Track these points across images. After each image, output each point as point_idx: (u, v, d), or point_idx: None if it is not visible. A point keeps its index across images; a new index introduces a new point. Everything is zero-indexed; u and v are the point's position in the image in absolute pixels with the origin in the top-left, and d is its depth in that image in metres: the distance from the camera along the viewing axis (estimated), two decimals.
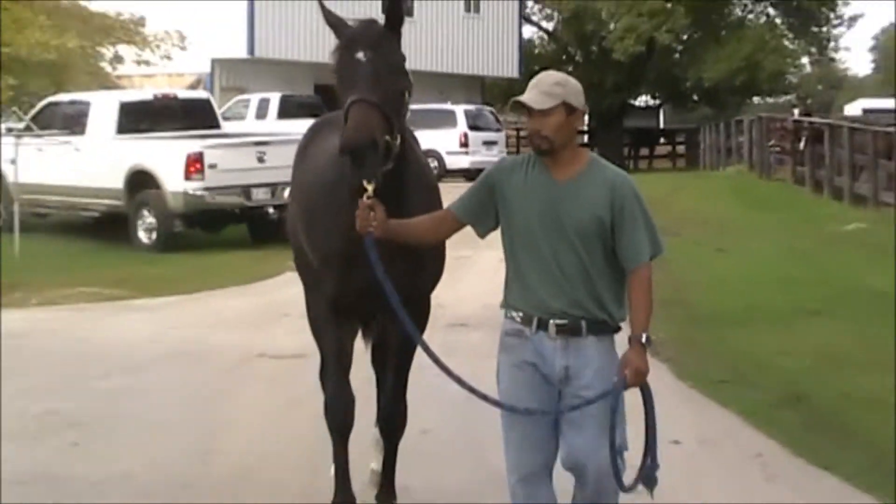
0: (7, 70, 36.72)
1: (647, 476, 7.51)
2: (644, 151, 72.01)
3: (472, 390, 7.69)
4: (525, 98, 7.39)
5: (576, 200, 7.37)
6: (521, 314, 7.52)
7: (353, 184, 7.58)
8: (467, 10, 65.26)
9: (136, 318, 20.96)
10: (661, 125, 76.16)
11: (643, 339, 7.29)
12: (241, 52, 55.51)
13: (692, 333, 17.51)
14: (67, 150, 32.68)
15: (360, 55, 7.73)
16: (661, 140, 74.91)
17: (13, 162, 31.70)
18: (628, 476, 7.49)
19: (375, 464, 9.69)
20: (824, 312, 19.48)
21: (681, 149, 72.17)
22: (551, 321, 7.38)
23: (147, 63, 41.24)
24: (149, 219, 31.15)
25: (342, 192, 8.17)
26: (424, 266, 8.72)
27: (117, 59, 40.79)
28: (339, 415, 8.99)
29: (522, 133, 54.76)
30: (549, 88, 7.40)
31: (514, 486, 7.68)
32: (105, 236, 31.85)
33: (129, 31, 40.66)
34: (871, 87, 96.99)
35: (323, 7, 8.20)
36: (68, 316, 21.57)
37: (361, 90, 7.57)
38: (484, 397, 7.67)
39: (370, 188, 7.49)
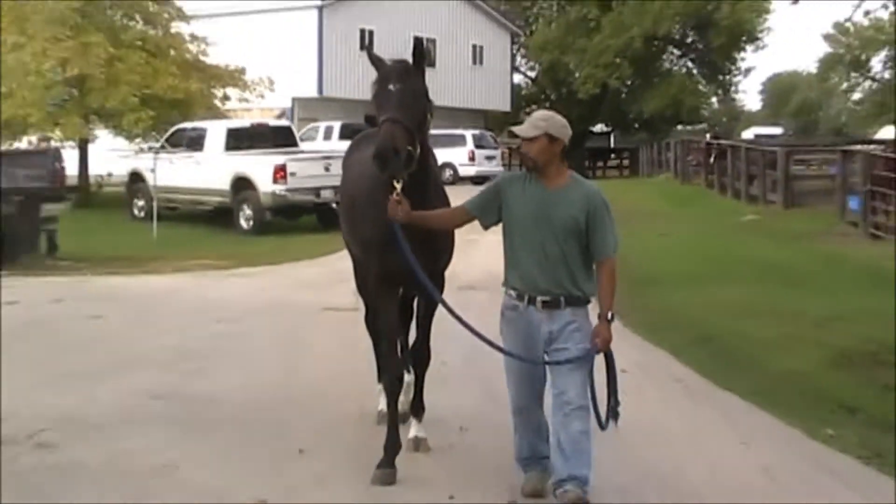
0: (148, 105, 36.94)
1: (613, 411, 7.81)
2: (599, 164, 71.86)
3: (479, 336, 8.06)
4: (516, 129, 7.89)
5: (561, 205, 7.66)
6: (516, 291, 7.81)
7: (382, 180, 7.96)
8: (474, 62, 65.00)
9: (238, 281, 21.04)
10: (612, 145, 75.91)
11: (609, 317, 7.65)
12: (313, 93, 55.35)
13: (634, 292, 17.46)
14: (190, 162, 32.79)
15: (391, 86, 7.97)
16: (612, 156, 74.74)
17: (153, 171, 31.87)
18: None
19: (403, 398, 9.36)
20: (727, 277, 19.51)
21: (626, 162, 72.08)
22: (538, 297, 7.67)
23: (246, 100, 41.08)
24: (247, 211, 31.51)
25: (378, 192, 8.25)
26: (441, 253, 8.79)
27: (225, 97, 40.63)
28: (394, 378, 8.90)
29: (513, 149, 55.18)
30: (535, 122, 7.77)
31: (513, 415, 8.06)
32: (216, 224, 31.92)
33: (234, 77, 40.53)
34: (760, 118, 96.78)
35: (370, 53, 8.40)
36: (192, 279, 21.73)
37: (390, 112, 7.83)
38: (489, 342, 8.02)
39: (398, 185, 7.84)
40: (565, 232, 7.65)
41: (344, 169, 10.19)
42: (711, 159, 45.97)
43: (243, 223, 31.60)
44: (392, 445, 8.58)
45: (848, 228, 28.81)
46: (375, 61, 8.29)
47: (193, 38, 40.86)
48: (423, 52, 8.32)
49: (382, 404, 9.57)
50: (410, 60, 8.22)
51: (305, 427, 9.94)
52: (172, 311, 17.30)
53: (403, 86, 7.98)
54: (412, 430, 8.99)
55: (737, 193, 40.48)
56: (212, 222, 32.27)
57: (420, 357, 9.19)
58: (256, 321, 15.90)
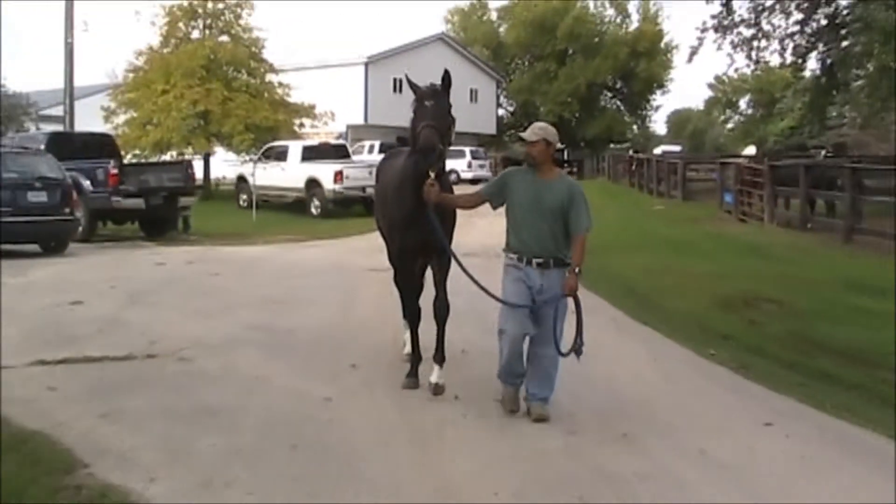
0: (250, 130, 37.65)
1: (578, 349, 7.62)
2: (565, 167, 71.66)
3: (480, 286, 8.02)
4: (524, 134, 7.87)
5: (550, 193, 7.60)
6: (517, 255, 7.69)
7: (422, 169, 7.89)
8: (471, 100, 64.66)
9: (311, 250, 20.98)
10: (566, 157, 75.21)
11: (576, 270, 7.48)
12: (360, 121, 55.32)
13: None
14: (277, 169, 32.83)
15: (427, 103, 7.96)
16: (565, 165, 74.00)
17: (252, 175, 32.26)
18: (564, 348, 7.65)
19: (407, 347, 9.23)
20: (644, 248, 19.43)
21: (575, 169, 71.36)
22: (534, 259, 7.59)
23: (315, 126, 41.24)
24: (316, 202, 31.35)
25: (403, 187, 8.31)
26: (450, 228, 8.56)
27: (301, 125, 40.70)
28: (414, 317, 8.77)
29: (497, 159, 54.90)
30: (536, 130, 7.77)
31: (501, 341, 7.75)
32: (294, 210, 31.86)
33: (307, 111, 40.76)
34: (666, 139, 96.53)
35: (409, 81, 8.30)
36: (278, 249, 21.60)
37: (427, 120, 7.82)
38: (487, 292, 7.98)
39: (433, 174, 7.86)
40: (553, 213, 7.56)
41: (378, 173, 9.90)
42: (633, 167, 45.96)
43: (313, 210, 31.44)
44: (415, 360, 8.66)
45: (724, 215, 28.75)
46: (413, 86, 8.20)
47: (280, 84, 41.06)
48: (449, 80, 8.20)
49: (406, 337, 9.31)
50: (439, 86, 8.16)
51: (356, 349, 9.94)
52: (265, 270, 17.30)
53: (435, 102, 7.97)
54: (433, 375, 8.38)
55: (650, 191, 40.04)
56: (292, 210, 32.14)
57: (441, 310, 8.61)
58: (322, 277, 15.88)
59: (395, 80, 58.87)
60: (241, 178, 35.52)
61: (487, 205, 8.10)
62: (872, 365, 9.56)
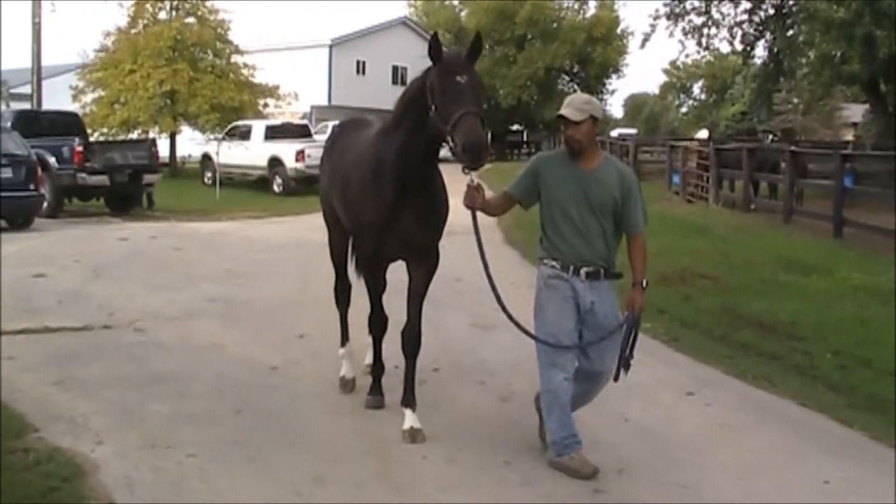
0: (216, 110, 37.42)
1: (626, 363, 5.99)
2: (516, 151, 71.28)
3: (515, 323, 6.16)
4: (566, 112, 5.87)
5: (599, 185, 5.88)
6: (560, 262, 5.93)
7: (469, 169, 5.71)
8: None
9: (273, 226, 21.03)
10: (524, 139, 75.17)
11: (643, 284, 6.02)
12: (324, 102, 55.17)
13: (527, 234, 17.54)
14: (241, 148, 32.75)
15: (459, 78, 5.73)
16: (524, 146, 74.03)
17: (217, 153, 31.98)
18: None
19: (369, 357, 7.68)
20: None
21: (533, 150, 71.27)
22: (583, 269, 5.89)
23: (280, 107, 41.23)
24: (278, 180, 31.25)
25: (380, 180, 6.39)
26: (443, 226, 6.67)
27: (265, 105, 40.71)
28: (379, 330, 7.08)
29: None
30: (580, 105, 5.91)
31: (549, 394, 6.00)
32: (258, 188, 31.82)
33: (272, 91, 40.72)
34: (622, 123, 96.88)
35: (435, 41, 5.86)
36: (241, 225, 21.59)
37: (469, 104, 5.64)
38: (520, 327, 6.14)
39: (474, 175, 5.84)
40: (603, 210, 5.90)
41: (332, 152, 7.84)
42: None
43: (276, 188, 31.37)
44: (378, 372, 7.20)
45: (672, 196, 28.98)
46: (437, 51, 5.88)
47: (245, 65, 40.88)
48: (480, 46, 5.99)
49: (344, 370, 7.72)
50: (464, 54, 6.02)
51: (307, 321, 10.07)
52: (227, 245, 17.35)
53: (469, 78, 5.81)
54: (407, 420, 6.57)
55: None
56: (255, 187, 32.10)
57: (412, 340, 6.81)
58: (281, 253, 15.94)
59: (358, 62, 59.19)
60: (207, 157, 35.38)
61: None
62: (792, 337, 9.76)
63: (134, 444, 6.19)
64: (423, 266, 6.76)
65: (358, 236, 7.14)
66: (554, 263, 5.99)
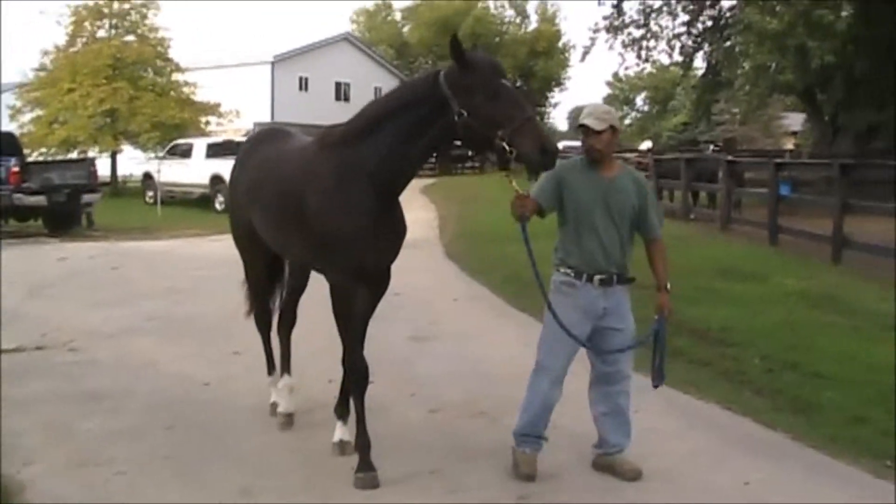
0: (157, 128, 37.43)
1: (661, 372, 6.28)
2: (460, 165, 71.41)
3: (557, 319, 6.05)
4: (588, 122, 5.88)
5: (619, 193, 5.96)
6: (573, 270, 6.05)
7: (540, 172, 5.58)
8: (376, 98, 64.90)
9: (214, 244, 20.86)
10: (469, 154, 75.27)
11: (667, 288, 6.18)
12: (267, 119, 54.98)
13: (471, 246, 17.70)
14: (183, 166, 32.66)
15: (506, 82, 5.47)
16: (469, 161, 74.23)
17: (158, 171, 32.06)
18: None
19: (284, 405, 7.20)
20: (532, 236, 19.68)
21: (477, 165, 72.04)
22: (596, 276, 5.97)
23: (222, 124, 41.16)
24: (220, 198, 30.67)
25: (367, 190, 5.76)
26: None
27: (207, 122, 40.67)
28: (362, 380, 6.05)
29: None
30: (601, 115, 5.95)
31: (535, 389, 6.26)
32: (200, 206, 31.64)
33: (213, 109, 40.78)
34: (567, 135, 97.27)
35: (457, 45, 5.37)
36: (182, 243, 21.56)
37: (527, 109, 5.40)
38: (556, 319, 6.04)
39: (517, 185, 5.70)
40: (622, 217, 5.99)
41: (246, 166, 7.14)
42: None
43: (217, 206, 30.82)
44: (364, 445, 6.02)
45: None
46: (468, 55, 5.52)
47: (186, 83, 40.89)
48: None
49: (278, 399, 7.29)
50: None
51: (244, 338, 10.02)
52: (168, 263, 17.34)
53: (509, 82, 5.60)
54: (337, 433, 6.52)
55: None
56: (197, 205, 31.93)
57: (358, 367, 6.22)
58: (222, 270, 15.72)
59: (300, 78, 59.22)
60: (148, 175, 35.18)
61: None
62: (723, 343, 9.96)
63: (63, 462, 6.21)
64: (382, 287, 6.39)
65: (331, 256, 5.97)
66: (567, 271, 6.11)
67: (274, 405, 7.31)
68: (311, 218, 5.91)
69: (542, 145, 5.30)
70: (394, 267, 6.40)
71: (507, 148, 5.29)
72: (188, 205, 32.43)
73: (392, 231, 6.07)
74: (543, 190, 6.09)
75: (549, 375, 6.17)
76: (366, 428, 6.00)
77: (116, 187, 39.32)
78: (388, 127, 5.73)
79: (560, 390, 6.19)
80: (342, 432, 6.47)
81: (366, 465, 5.92)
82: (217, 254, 18.57)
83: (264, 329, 7.64)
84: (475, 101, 5.38)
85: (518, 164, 5.44)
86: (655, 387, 6.35)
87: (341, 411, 6.58)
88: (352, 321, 6.08)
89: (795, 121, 60.58)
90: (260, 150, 7.10)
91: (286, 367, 7.41)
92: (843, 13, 27.61)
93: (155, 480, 5.92)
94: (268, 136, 7.33)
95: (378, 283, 6.30)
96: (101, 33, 40.08)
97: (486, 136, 5.40)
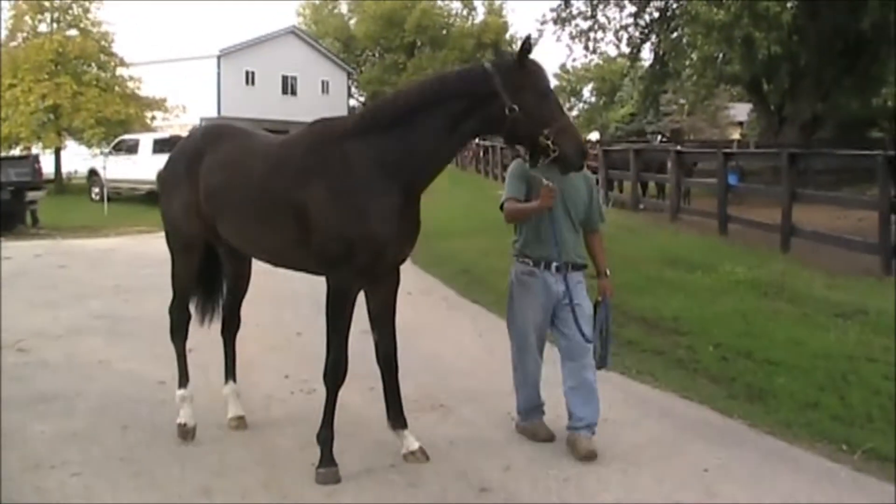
0: (101, 124, 36.85)
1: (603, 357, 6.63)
2: None
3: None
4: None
5: (573, 188, 6.38)
6: (531, 259, 6.46)
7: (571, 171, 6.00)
8: (323, 91, 64.82)
9: (160, 241, 20.52)
10: None
11: (607, 272, 6.61)
12: (214, 114, 54.55)
13: (423, 241, 17.69)
14: (129, 162, 32.39)
15: (549, 84, 5.89)
16: None
17: (104, 168, 31.91)
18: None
19: (233, 409, 7.05)
20: (481, 231, 19.66)
21: None
22: (553, 263, 6.36)
23: (168, 119, 40.79)
24: None
25: (390, 189, 5.68)
26: None
27: (153, 118, 40.33)
28: (341, 380, 6.04)
29: None
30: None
31: (519, 371, 6.75)
32: (148, 203, 31.19)
33: (159, 104, 40.43)
34: None
35: (528, 47, 5.62)
36: (129, 240, 21.42)
37: (566, 113, 5.94)
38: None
39: (547, 180, 5.97)
40: (576, 210, 6.44)
41: (225, 165, 6.45)
42: (479, 154, 46.35)
43: None
44: (327, 439, 5.97)
45: None
46: (524, 54, 5.68)
47: (131, 78, 40.43)
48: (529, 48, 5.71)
49: (184, 417, 6.77)
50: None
51: (195, 335, 9.90)
52: (114, 261, 17.22)
53: None
54: (409, 442, 6.30)
55: (495, 176, 40.42)
56: (144, 202, 31.54)
57: (391, 352, 6.49)
58: (170, 268, 15.81)
59: (247, 72, 58.96)
60: (93, 172, 34.96)
61: None
62: (676, 332, 10.06)
63: (16, 466, 6.12)
64: (396, 282, 6.35)
65: (337, 258, 5.77)
66: (526, 261, 6.53)
67: (182, 425, 6.74)
68: (322, 217, 5.74)
69: (582, 147, 5.79)
70: None
71: (550, 145, 5.56)
72: (135, 201, 32.11)
73: (411, 229, 6.05)
74: (517, 188, 6.48)
75: (530, 353, 6.65)
76: (332, 423, 5.97)
77: (61, 184, 38.91)
78: (420, 120, 5.69)
79: (539, 368, 6.73)
80: (409, 441, 6.30)
81: (327, 461, 5.89)
82: (164, 251, 18.26)
83: (182, 337, 7.29)
84: (527, 99, 5.57)
85: (545, 161, 5.77)
86: (602, 367, 6.67)
87: (403, 421, 6.40)
88: (347, 322, 5.97)
89: (741, 111, 61.21)
90: (217, 151, 6.58)
91: (232, 373, 7.26)
92: (789, 4, 27.90)
93: (111, 482, 5.86)
94: (219, 136, 6.78)
95: (391, 278, 6.28)
96: (42, 27, 39.54)
97: (531, 133, 5.63)
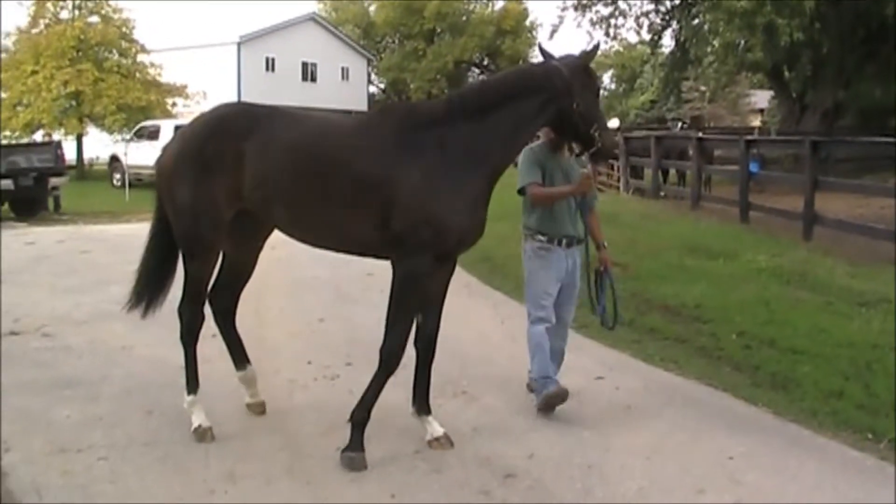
0: (122, 111, 37.07)
1: (617, 316, 7.50)
2: None
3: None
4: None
5: (574, 171, 7.00)
6: (546, 236, 7.05)
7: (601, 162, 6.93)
8: (342, 78, 65.01)
9: None
10: None
11: (605, 245, 7.30)
12: (234, 99, 54.25)
13: None
14: (150, 148, 32.36)
15: None
16: None
17: (125, 154, 31.77)
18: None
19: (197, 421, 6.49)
20: (502, 217, 19.51)
21: None
22: (563, 239, 7.04)
23: (188, 105, 40.81)
24: None
25: (478, 183, 5.86)
26: None
27: (173, 104, 40.39)
28: (396, 367, 6.03)
29: None
30: None
31: (538, 340, 7.09)
32: None
33: (179, 91, 40.54)
34: None
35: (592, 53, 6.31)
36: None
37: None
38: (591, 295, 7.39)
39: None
40: None
41: (290, 149, 6.06)
42: None
43: None
44: (361, 421, 5.97)
45: None
46: (597, 50, 6.53)
47: (152, 64, 40.55)
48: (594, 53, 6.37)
49: (197, 420, 6.47)
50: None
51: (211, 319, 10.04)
52: (136, 247, 17.01)
53: None
54: (434, 427, 6.36)
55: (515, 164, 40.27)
56: None
57: (434, 342, 6.62)
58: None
59: (267, 59, 58.90)
60: (115, 158, 34.97)
61: None
62: (698, 320, 10.01)
63: (42, 449, 6.14)
64: (453, 268, 6.48)
65: (419, 241, 5.79)
66: (541, 237, 7.10)
67: (197, 429, 6.45)
68: (416, 201, 5.74)
69: (616, 143, 6.45)
70: None
71: (596, 139, 6.03)
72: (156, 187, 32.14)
73: (485, 216, 6.12)
74: (535, 173, 7.02)
75: (543, 324, 7.11)
76: (372, 407, 5.99)
77: (83, 170, 39.07)
78: (505, 110, 5.92)
79: (551, 332, 7.14)
80: (434, 428, 6.33)
81: (356, 445, 5.89)
82: None
83: (195, 340, 6.87)
84: (588, 97, 6.05)
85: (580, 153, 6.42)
86: (611, 328, 7.59)
87: (423, 408, 6.46)
88: (417, 306, 6.11)
89: (762, 98, 60.83)
90: (266, 133, 6.14)
91: (243, 360, 7.07)
92: None
93: (137, 467, 5.87)
94: (262, 117, 6.31)
95: (452, 261, 6.38)
96: (64, 14, 39.67)
97: (585, 128, 6.04)
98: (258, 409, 6.95)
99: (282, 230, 6.47)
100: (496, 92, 6.00)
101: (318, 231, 6.32)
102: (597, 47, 6.52)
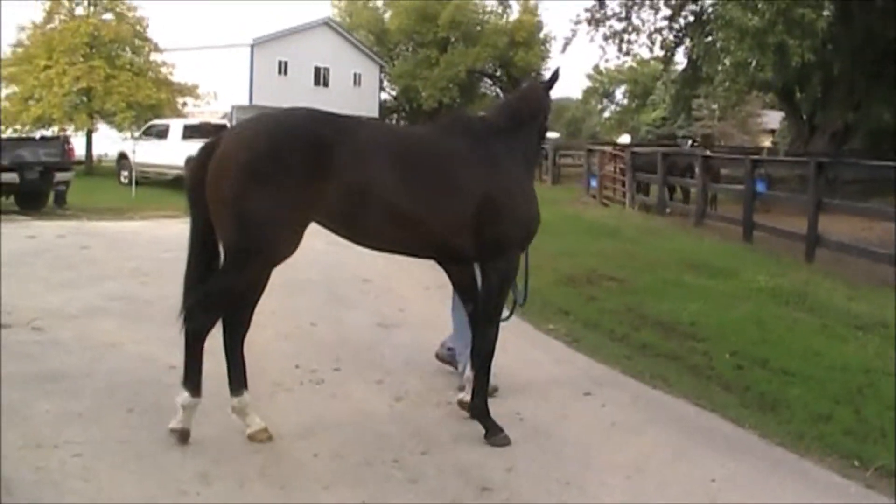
0: (132, 108, 37.13)
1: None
2: None
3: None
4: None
5: None
6: None
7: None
8: (355, 84, 65.15)
9: (182, 226, 20.68)
10: None
11: None
12: (245, 101, 54.72)
13: None
14: (159, 146, 32.50)
15: None
16: None
17: (134, 152, 31.76)
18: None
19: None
20: None
21: None
22: None
23: (198, 105, 40.93)
24: None
25: (529, 177, 6.82)
26: None
27: (184, 104, 40.46)
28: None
29: None
30: None
31: (460, 340, 7.62)
32: (174, 188, 31.39)
33: (191, 90, 40.54)
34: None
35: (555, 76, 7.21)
36: (153, 224, 21.41)
37: None
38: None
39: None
40: None
41: (388, 158, 5.94)
42: None
43: None
44: (485, 412, 6.52)
45: (589, 199, 29.31)
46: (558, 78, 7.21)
47: (164, 63, 40.61)
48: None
49: (185, 422, 6.20)
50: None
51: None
52: (135, 244, 17.19)
53: None
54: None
55: None
56: (171, 187, 31.63)
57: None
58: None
59: (280, 62, 59.04)
60: (123, 155, 34.97)
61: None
62: (692, 338, 9.90)
63: (16, 444, 6.06)
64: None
65: (516, 243, 6.44)
66: None
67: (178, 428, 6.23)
68: (512, 204, 6.30)
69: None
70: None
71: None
72: (162, 186, 32.20)
73: None
74: None
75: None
76: (486, 396, 6.59)
77: (91, 166, 39.15)
78: (536, 122, 6.80)
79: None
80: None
81: (493, 429, 6.42)
82: (185, 236, 18.45)
83: (202, 344, 6.42)
84: (546, 118, 6.99)
85: None
86: (522, 304, 7.74)
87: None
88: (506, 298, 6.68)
89: (773, 119, 60.79)
90: (354, 143, 5.88)
91: (241, 384, 6.54)
92: (825, 12, 27.64)
93: (111, 464, 5.79)
94: (347, 126, 6.04)
95: None
96: (78, 10, 39.73)
97: (541, 140, 6.96)
98: (263, 435, 6.33)
99: (352, 239, 6.24)
100: (529, 107, 6.74)
101: (408, 241, 6.24)
102: (557, 70, 7.14)
